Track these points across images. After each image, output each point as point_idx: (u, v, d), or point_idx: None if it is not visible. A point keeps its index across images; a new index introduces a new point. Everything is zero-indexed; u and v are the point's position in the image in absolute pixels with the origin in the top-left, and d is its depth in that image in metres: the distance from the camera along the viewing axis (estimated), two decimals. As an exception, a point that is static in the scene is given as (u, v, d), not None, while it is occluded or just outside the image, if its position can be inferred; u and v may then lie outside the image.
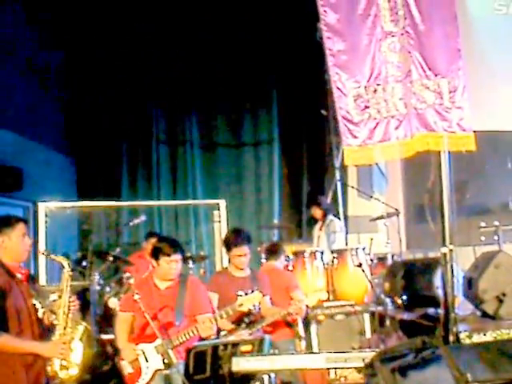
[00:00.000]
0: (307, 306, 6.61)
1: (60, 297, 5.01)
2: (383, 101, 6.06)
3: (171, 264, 5.83)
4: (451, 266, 6.13)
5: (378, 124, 6.03)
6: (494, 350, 5.11)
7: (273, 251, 7.39)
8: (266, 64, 10.84)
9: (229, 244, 6.50)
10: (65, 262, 5.10)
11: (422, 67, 6.11)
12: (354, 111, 6.02)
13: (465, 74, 6.20)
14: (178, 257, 5.86)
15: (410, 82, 6.09)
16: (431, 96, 6.10)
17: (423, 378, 4.05)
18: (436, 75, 6.11)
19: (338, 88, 6.05)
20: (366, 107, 6.03)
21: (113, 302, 7.09)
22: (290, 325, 6.82)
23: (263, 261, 8.52)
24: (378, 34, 6.14)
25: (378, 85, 6.08)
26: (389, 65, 6.10)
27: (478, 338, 6.23)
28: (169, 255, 5.81)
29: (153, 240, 8.59)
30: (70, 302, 5.04)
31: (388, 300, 7.51)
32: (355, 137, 6.01)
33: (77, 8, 10.27)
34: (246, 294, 5.82)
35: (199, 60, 10.87)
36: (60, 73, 10.74)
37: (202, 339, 5.75)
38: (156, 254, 5.90)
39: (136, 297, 5.50)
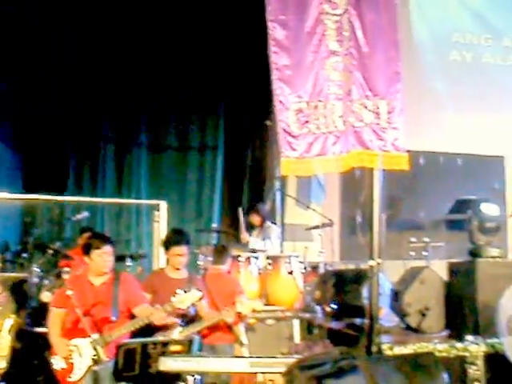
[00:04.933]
0: (239, 313, 6.56)
1: None
2: (323, 117, 6.26)
3: (103, 256, 5.91)
4: (377, 279, 6.39)
5: (316, 139, 6.23)
6: (410, 362, 5.33)
7: (220, 255, 7.30)
8: (215, 73, 10.95)
9: (169, 243, 6.54)
10: None
11: (363, 87, 6.33)
12: (294, 125, 6.21)
13: (403, 96, 6.46)
14: (108, 249, 5.96)
15: (350, 101, 6.30)
16: (369, 115, 6.32)
17: (340, 387, 4.16)
18: (375, 96, 6.33)
19: (281, 101, 6.23)
20: (307, 122, 6.22)
21: (46, 296, 7.08)
22: (232, 329, 6.80)
23: (200, 263, 8.66)
24: (322, 52, 6.33)
25: (319, 101, 6.27)
26: (331, 83, 6.31)
27: (399, 350, 6.48)
28: (99, 248, 5.91)
29: (86, 235, 8.64)
30: None
31: (318, 308, 7.72)
32: (294, 149, 6.20)
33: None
34: (186, 292, 5.82)
35: (151, 64, 10.94)
36: (10, 65, 10.68)
37: (133, 336, 5.83)
38: (87, 249, 5.99)
39: (69, 292, 5.58)
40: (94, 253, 5.92)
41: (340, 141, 6.25)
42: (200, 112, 11.44)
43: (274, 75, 6.26)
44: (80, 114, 11.07)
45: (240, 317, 6.66)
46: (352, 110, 6.29)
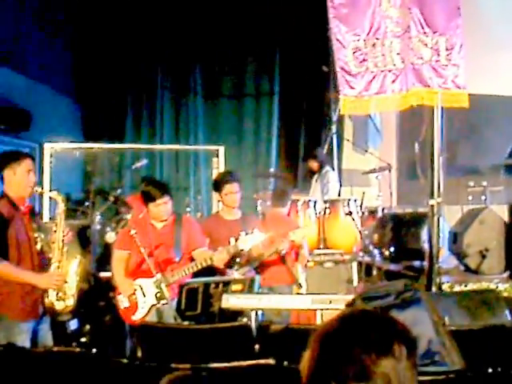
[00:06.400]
0: (293, 241, 6.51)
1: (55, 231, 5.10)
2: (381, 55, 6.21)
3: (159, 207, 5.89)
4: (438, 219, 6.35)
5: (374, 77, 6.20)
6: (473, 298, 5.31)
7: (280, 198, 7.25)
8: (270, 18, 10.85)
9: (221, 182, 6.52)
10: (58, 198, 5.19)
11: (421, 24, 6.22)
12: (352, 63, 6.18)
13: (463, 32, 6.32)
14: (164, 199, 5.89)
15: (409, 38, 6.21)
16: (428, 52, 6.23)
17: (402, 318, 4.10)
18: (434, 32, 6.22)
19: (338, 40, 6.20)
20: (364, 60, 6.19)
21: (110, 237, 7.22)
22: (290, 270, 6.77)
23: (259, 208, 8.70)
24: (379, -11, 6.27)
25: (376, 39, 6.21)
26: (388, 20, 6.23)
27: (459, 289, 6.47)
28: (154, 200, 5.88)
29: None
30: (63, 235, 5.19)
31: (376, 251, 7.70)
32: (352, 88, 6.18)
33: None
34: (247, 234, 5.79)
35: (206, 12, 10.92)
36: (70, 18, 10.78)
37: (194, 276, 5.88)
38: (144, 199, 5.99)
39: (132, 232, 5.64)
40: (150, 204, 5.93)
41: (399, 79, 6.20)
42: (255, 58, 11.40)
43: (331, 13, 6.22)
44: (137, 63, 11.16)
45: (294, 246, 6.64)
46: (411, 48, 6.20)
